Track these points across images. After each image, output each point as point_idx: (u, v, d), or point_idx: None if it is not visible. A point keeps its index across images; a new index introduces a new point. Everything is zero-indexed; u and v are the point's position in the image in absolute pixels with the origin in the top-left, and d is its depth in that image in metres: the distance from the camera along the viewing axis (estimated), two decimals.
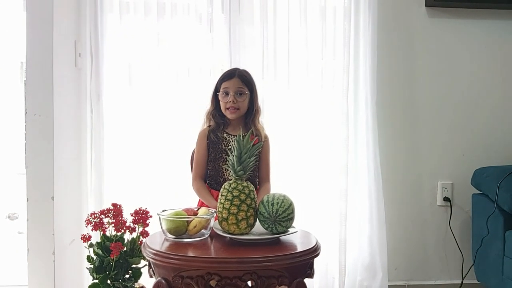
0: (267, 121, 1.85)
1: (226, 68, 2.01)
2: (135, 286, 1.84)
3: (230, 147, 1.64)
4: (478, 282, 2.21)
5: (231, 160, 1.41)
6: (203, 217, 1.40)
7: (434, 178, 2.36)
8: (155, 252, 1.32)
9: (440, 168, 2.36)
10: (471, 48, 2.36)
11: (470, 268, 2.24)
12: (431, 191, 2.36)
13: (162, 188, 2.15)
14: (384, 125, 2.27)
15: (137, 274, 1.82)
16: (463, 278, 2.31)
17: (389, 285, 2.22)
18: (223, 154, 1.65)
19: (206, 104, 1.77)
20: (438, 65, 2.35)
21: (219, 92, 1.68)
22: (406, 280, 2.35)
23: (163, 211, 1.44)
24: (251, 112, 1.71)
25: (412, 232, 2.35)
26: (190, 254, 1.29)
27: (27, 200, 1.81)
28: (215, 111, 1.71)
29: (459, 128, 2.37)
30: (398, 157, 2.34)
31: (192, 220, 1.39)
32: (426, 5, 2.31)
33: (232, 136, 1.67)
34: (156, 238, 1.43)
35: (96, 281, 1.76)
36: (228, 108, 1.66)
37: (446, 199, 2.35)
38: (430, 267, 2.37)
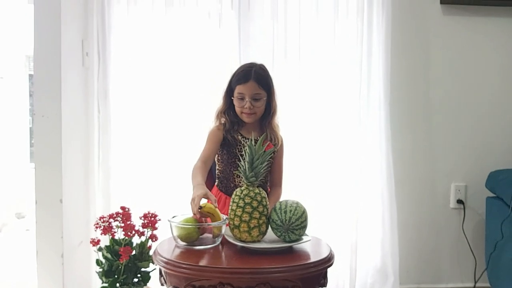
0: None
1: (235, 63, 1.95)
2: None
3: (243, 152, 1.57)
4: (490, 287, 2.17)
5: (242, 166, 1.37)
6: (215, 225, 1.37)
7: (447, 179, 2.32)
8: (166, 260, 1.29)
9: (454, 170, 2.32)
10: (487, 47, 2.30)
11: (483, 272, 2.20)
12: (445, 193, 2.32)
13: (170, 188, 2.12)
14: (397, 125, 2.22)
15: (146, 277, 1.80)
16: (475, 282, 2.28)
17: None
18: (236, 159, 1.59)
19: (215, 102, 1.68)
20: (453, 64, 2.29)
21: (233, 94, 1.59)
22: (418, 283, 2.32)
23: (173, 217, 1.41)
24: (267, 113, 1.61)
25: (424, 235, 2.31)
26: (202, 263, 1.26)
27: (36, 203, 1.79)
28: (229, 110, 1.61)
29: (474, 129, 2.31)
30: (411, 158, 2.29)
31: (202, 225, 1.37)
32: (441, 3, 2.25)
33: (247, 140, 1.58)
34: (167, 244, 1.41)
35: (106, 284, 1.74)
36: (243, 113, 1.58)
37: (459, 201, 2.31)
38: (442, 270, 2.33)
